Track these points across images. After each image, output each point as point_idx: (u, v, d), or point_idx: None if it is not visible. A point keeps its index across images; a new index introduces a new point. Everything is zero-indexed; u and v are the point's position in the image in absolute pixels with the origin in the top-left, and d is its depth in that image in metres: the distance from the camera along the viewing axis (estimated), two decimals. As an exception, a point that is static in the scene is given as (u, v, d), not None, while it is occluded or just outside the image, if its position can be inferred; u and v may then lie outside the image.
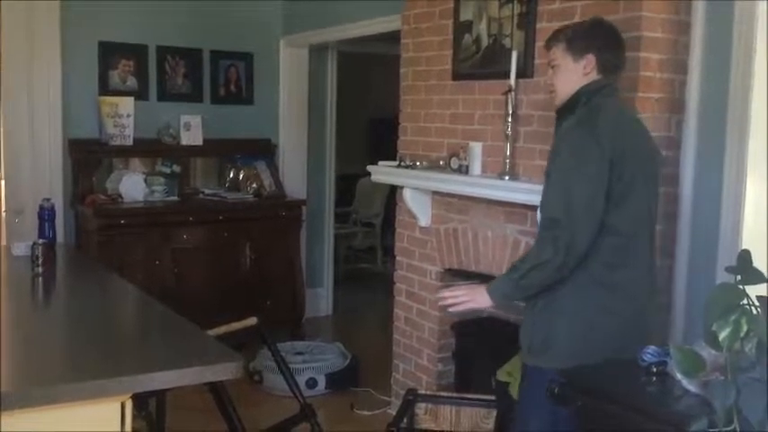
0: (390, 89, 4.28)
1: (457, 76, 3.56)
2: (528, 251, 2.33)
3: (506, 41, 3.28)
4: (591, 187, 2.20)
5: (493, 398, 3.11)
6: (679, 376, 1.95)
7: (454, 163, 3.41)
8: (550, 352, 2.31)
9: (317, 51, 5.79)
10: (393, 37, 4.15)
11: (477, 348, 3.58)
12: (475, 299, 2.38)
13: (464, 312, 2.77)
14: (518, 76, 3.13)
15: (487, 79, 3.37)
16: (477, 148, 3.38)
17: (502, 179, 3.13)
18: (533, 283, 2.27)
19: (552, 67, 2.42)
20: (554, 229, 2.22)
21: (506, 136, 3.16)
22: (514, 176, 3.14)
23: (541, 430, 2.36)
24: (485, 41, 3.39)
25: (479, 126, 3.44)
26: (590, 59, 2.33)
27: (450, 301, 2.45)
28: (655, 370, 2.09)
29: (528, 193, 2.92)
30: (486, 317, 3.60)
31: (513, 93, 3.13)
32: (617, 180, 2.21)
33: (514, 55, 3.13)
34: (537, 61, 3.12)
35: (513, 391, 2.93)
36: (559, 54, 2.38)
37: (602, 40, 2.36)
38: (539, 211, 2.37)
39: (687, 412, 1.83)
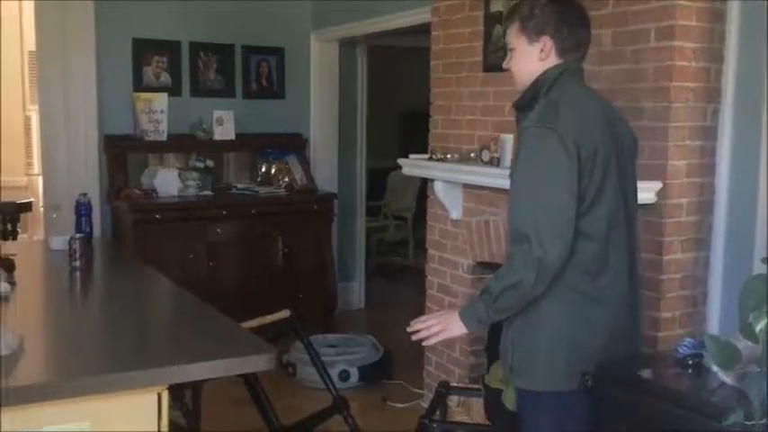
0: (421, 82, 4.27)
1: (487, 67, 3.54)
2: (499, 269, 2.06)
3: (537, 32, 3.25)
4: (560, 194, 1.96)
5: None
6: (715, 368, 1.93)
7: (485, 155, 3.39)
8: (531, 373, 2.12)
9: (347, 45, 5.79)
10: (423, 29, 4.14)
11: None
12: (448, 328, 2.11)
13: (440, 343, 2.46)
14: (549, 66, 3.11)
15: (519, 70, 3.35)
16: (508, 140, 3.35)
17: (533, 171, 3.10)
18: (510, 304, 2.04)
19: (509, 51, 2.18)
20: (523, 244, 1.96)
21: (538, 127, 3.13)
22: (546, 168, 3.11)
23: None
24: (516, 32, 3.36)
25: (510, 118, 3.38)
26: (546, 42, 2.08)
27: (423, 334, 2.14)
28: (690, 362, 2.07)
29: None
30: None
31: (544, 84, 3.10)
32: (588, 180, 1.98)
33: (546, 46, 3.10)
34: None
35: (507, 401, 2.80)
36: (514, 35, 2.14)
37: (557, 17, 2.08)
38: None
39: (723, 404, 1.81)
